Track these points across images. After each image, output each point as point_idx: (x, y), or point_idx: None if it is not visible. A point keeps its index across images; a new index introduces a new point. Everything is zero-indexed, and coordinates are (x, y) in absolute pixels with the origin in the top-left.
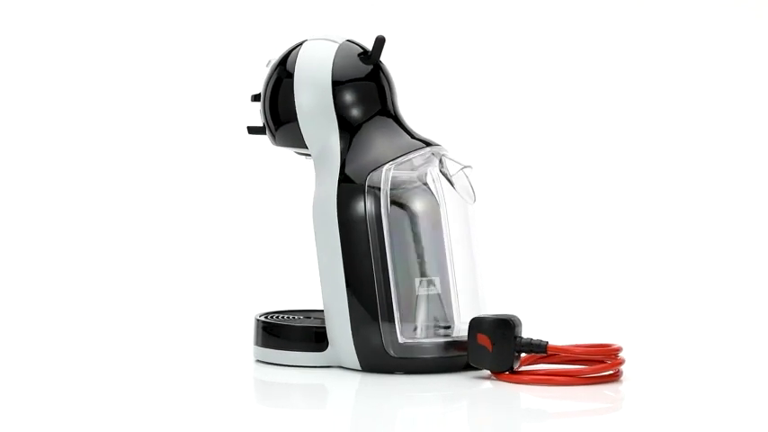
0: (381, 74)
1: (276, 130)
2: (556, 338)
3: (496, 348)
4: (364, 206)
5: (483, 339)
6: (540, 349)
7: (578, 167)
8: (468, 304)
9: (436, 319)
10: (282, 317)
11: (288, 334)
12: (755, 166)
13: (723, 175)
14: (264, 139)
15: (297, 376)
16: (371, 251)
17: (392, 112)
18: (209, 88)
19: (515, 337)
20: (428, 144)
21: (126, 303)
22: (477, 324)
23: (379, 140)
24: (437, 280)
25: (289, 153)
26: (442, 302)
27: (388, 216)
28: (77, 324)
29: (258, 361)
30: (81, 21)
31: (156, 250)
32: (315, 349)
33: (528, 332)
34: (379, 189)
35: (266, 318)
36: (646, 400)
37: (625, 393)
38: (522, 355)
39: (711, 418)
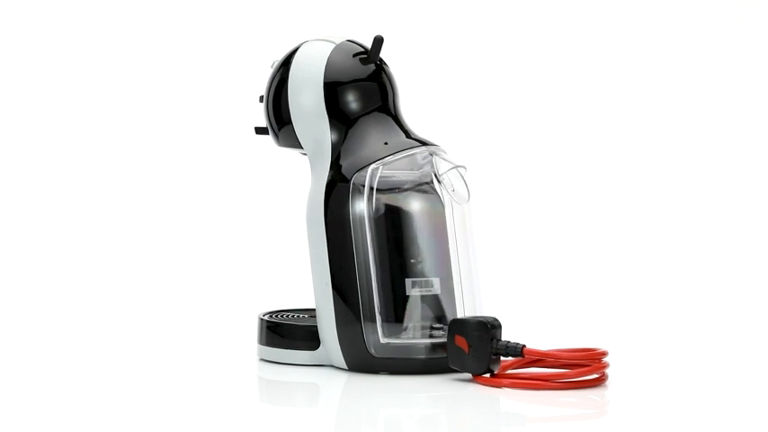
0: (382, 73)
1: (279, 130)
2: (547, 342)
3: (473, 351)
4: (349, 205)
5: (460, 341)
6: (515, 352)
7: (568, 169)
8: (472, 305)
9: (431, 320)
10: (285, 315)
11: (283, 332)
12: (736, 172)
13: (708, 181)
14: (270, 139)
15: (288, 374)
16: (354, 250)
17: (392, 111)
18: (217, 90)
19: (492, 340)
20: (424, 144)
21: (130, 303)
22: (454, 326)
23: (373, 137)
24: (436, 281)
25: (292, 153)
26: (440, 303)
27: (372, 216)
28: (83, 323)
29: (261, 359)
30: (89, 24)
31: (161, 250)
32: (308, 348)
33: (520, 335)
34: (365, 188)
35: (269, 317)
36: (629, 405)
37: (610, 398)
38: (507, 358)
39: (697, 425)
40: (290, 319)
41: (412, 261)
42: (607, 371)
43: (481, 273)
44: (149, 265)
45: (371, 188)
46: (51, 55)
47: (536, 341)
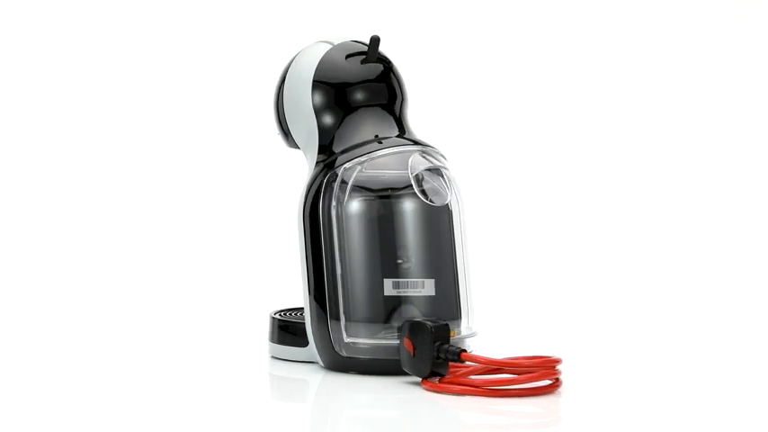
0: (389, 73)
1: (289, 131)
2: (533, 346)
3: (417, 353)
4: (320, 202)
5: (408, 344)
6: (453, 357)
7: (559, 171)
8: (465, 308)
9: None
10: (296, 314)
11: (282, 329)
12: (718, 179)
13: (691, 187)
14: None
15: (279, 370)
16: (323, 248)
17: (395, 111)
18: (231, 91)
19: (435, 343)
20: (417, 144)
21: (143, 302)
22: (404, 328)
23: (366, 129)
24: (428, 282)
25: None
26: (433, 305)
27: (341, 214)
28: (95, 324)
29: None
30: (96, 28)
31: (169, 250)
32: (301, 344)
33: (502, 340)
34: (337, 186)
35: (280, 314)
36: (579, 413)
37: (563, 405)
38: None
39: None
40: (287, 317)
41: (398, 261)
42: (561, 378)
43: (473, 275)
44: (165, 264)
45: (343, 186)
46: (59, 58)
47: (521, 345)
